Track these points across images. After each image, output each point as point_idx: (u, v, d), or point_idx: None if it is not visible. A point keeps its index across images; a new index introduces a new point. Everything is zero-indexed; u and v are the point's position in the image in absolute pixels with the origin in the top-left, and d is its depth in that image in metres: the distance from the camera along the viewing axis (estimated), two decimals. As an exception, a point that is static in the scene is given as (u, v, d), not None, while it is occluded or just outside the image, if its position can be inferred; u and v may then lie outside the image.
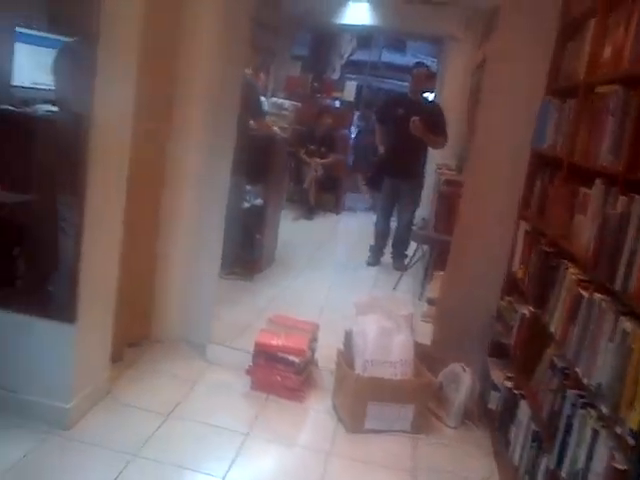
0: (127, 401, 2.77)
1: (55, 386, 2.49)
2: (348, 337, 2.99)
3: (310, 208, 7.61)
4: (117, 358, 2.99)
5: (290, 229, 6.33)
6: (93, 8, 2.27)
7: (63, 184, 2.64)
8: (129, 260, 2.84)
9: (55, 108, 3.07)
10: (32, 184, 3.03)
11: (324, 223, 7.74)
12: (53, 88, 3.07)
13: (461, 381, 2.99)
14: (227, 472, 2.41)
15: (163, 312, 3.44)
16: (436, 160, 6.31)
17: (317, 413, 2.97)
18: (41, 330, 2.49)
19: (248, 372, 3.06)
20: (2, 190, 2.85)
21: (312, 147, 7.84)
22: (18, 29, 3.40)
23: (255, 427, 2.74)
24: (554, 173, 2.74)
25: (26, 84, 3.20)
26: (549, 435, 2.16)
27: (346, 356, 2.96)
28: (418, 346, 3.04)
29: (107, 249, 2.67)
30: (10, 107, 2.88)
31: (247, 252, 4.92)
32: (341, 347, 3.07)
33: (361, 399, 2.78)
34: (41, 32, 3.55)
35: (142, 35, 2.57)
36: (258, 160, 4.69)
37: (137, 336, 3.33)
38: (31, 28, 3.47)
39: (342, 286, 4.97)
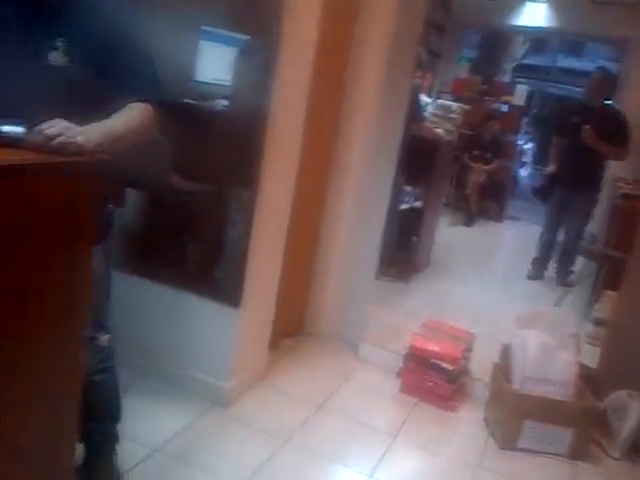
0: (281, 388, 2.87)
1: (217, 365, 2.63)
2: (506, 350, 2.86)
3: (470, 214, 7.40)
4: (273, 346, 3.09)
5: (447, 234, 6.21)
6: (277, 10, 2.36)
7: (237, 177, 2.77)
8: (290, 253, 2.92)
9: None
10: (207, 175, 3.23)
11: (484, 231, 7.50)
12: (231, 84, 3.25)
13: (629, 409, 2.76)
14: (373, 471, 2.41)
15: (318, 307, 3.51)
16: (612, 172, 5.85)
17: (467, 424, 2.88)
18: (207, 311, 2.63)
19: (399, 375, 3.04)
20: (179, 178, 3.05)
21: (476, 152, 7.61)
22: (204, 27, 3.65)
23: (403, 430, 2.72)
24: None
25: (207, 79, 3.39)
26: None
27: (503, 370, 2.83)
28: (582, 368, 2.83)
29: (274, 241, 2.77)
30: (191, 101, 3.07)
31: (403, 254, 4.89)
32: (497, 360, 2.94)
33: (517, 416, 2.65)
34: (224, 30, 3.77)
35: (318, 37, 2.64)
36: (420, 162, 4.64)
37: (292, 327, 3.42)
38: (216, 26, 3.70)
39: (500, 297, 4.77)
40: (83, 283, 1.46)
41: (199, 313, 2.65)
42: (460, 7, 7.93)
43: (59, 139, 1.39)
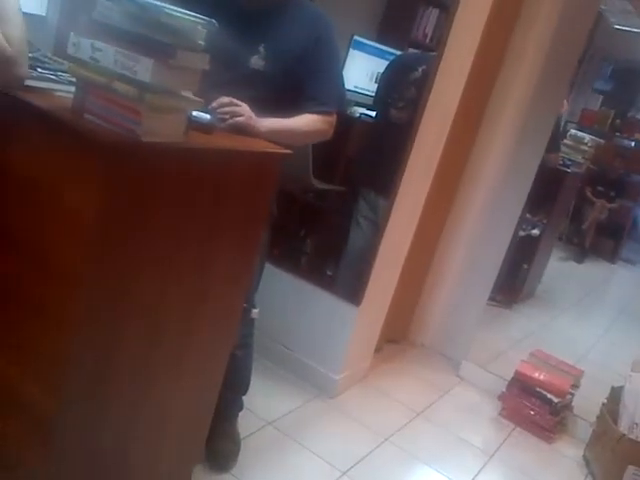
0: (382, 389, 2.98)
1: (330, 357, 2.77)
2: (616, 393, 2.82)
3: (583, 251, 7.20)
4: (377, 349, 3.21)
5: (556, 268, 6.07)
6: (445, 27, 2.48)
7: (373, 182, 2.90)
8: (406, 262, 3.01)
9: (371, 112, 3.38)
10: (340, 177, 3.39)
11: (595, 269, 7.27)
12: (377, 94, 3.37)
13: None
14: (468, 484, 2.48)
15: (424, 319, 3.58)
16: None
17: (566, 459, 2.87)
18: (328, 304, 2.77)
19: (500, 398, 3.07)
20: (315, 178, 3.22)
21: (600, 188, 7.39)
22: (356, 37, 3.81)
23: (500, 452, 2.76)
24: None
25: (350, 87, 3.54)
26: None
27: (611, 412, 2.80)
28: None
29: (398, 248, 2.87)
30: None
31: (510, 280, 4.85)
32: (605, 401, 2.91)
33: (621, 460, 2.61)
34: (373, 42, 3.92)
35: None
36: (545, 190, 4.59)
37: (396, 334, 3.51)
38: (365, 37, 3.86)
39: (610, 340, 4.66)
40: (252, 258, 1.63)
41: (320, 304, 2.79)
42: (601, 37, 7.71)
43: (239, 119, 1.60)
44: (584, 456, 2.86)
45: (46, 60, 1.64)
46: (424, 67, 2.75)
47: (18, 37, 1.26)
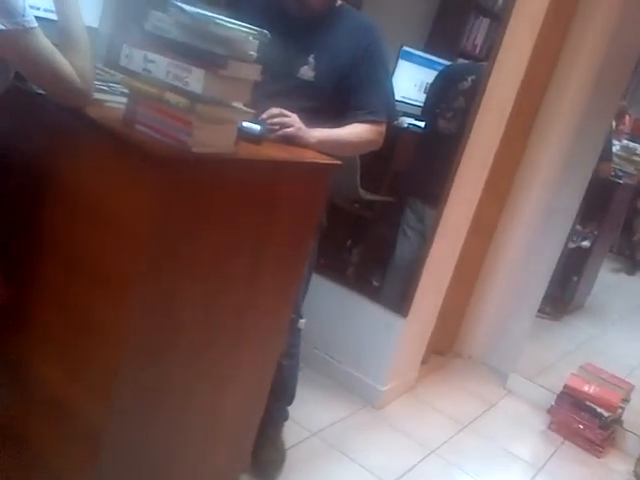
0: (428, 401, 2.95)
1: (376, 368, 2.75)
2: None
3: (635, 262, 6.99)
4: (424, 360, 3.17)
5: (607, 280, 5.91)
6: (496, 36, 2.45)
7: (421, 192, 2.87)
8: (454, 271, 2.97)
9: (419, 123, 3.36)
10: (387, 187, 3.37)
11: (647, 281, 7.06)
12: (421, 104, 3.35)
13: None
14: (515, 498, 2.43)
15: (471, 330, 3.53)
16: None
17: (615, 474, 2.80)
18: (373, 314, 2.75)
19: (550, 411, 3.01)
20: (362, 189, 3.22)
21: (651, 198, 7.18)
22: (404, 47, 3.80)
23: (548, 466, 2.70)
24: None
25: (398, 98, 3.52)
26: None
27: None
28: None
29: (446, 259, 2.84)
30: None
31: (559, 291, 4.75)
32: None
33: (676, 479, 2.53)
34: (421, 52, 3.90)
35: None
36: (596, 201, 4.49)
37: (442, 346, 3.46)
38: (414, 47, 3.84)
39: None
40: (301, 269, 1.64)
41: (366, 315, 2.77)
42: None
43: (289, 130, 1.60)
44: (634, 471, 2.78)
45: (98, 72, 1.68)
46: (473, 77, 2.72)
47: (89, 68, 1.30)
